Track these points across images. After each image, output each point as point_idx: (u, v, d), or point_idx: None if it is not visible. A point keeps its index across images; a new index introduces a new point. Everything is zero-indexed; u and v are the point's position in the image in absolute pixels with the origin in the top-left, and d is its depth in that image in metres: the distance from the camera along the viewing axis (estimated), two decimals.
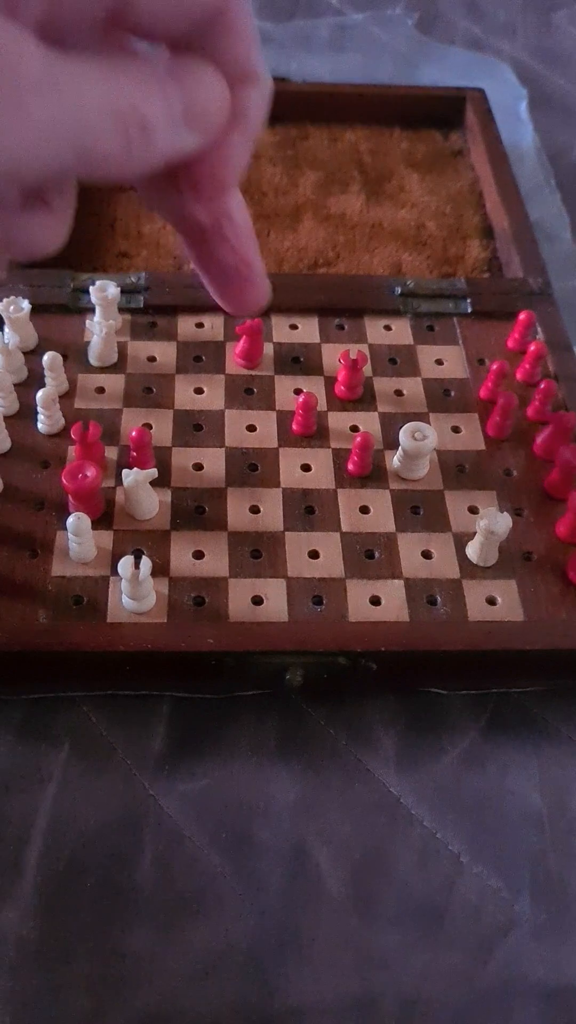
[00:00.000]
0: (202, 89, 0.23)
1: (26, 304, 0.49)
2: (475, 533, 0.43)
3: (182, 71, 0.23)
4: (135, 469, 0.43)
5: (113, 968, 0.35)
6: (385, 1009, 0.35)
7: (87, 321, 0.52)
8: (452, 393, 0.51)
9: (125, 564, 0.39)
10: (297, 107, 0.68)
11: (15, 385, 0.48)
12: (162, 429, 0.48)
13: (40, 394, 0.46)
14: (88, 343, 0.51)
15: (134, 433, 0.44)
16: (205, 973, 0.35)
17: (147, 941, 0.36)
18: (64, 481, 0.42)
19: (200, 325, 0.53)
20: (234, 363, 0.51)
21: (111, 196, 0.62)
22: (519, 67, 0.78)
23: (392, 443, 0.47)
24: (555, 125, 0.73)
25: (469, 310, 0.54)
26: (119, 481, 0.44)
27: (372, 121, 0.69)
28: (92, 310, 0.51)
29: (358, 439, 0.45)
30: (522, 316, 0.52)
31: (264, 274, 0.27)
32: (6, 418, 0.47)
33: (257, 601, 0.41)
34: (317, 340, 0.53)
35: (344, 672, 0.40)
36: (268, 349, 0.52)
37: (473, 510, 0.45)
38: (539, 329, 0.53)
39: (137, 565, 0.39)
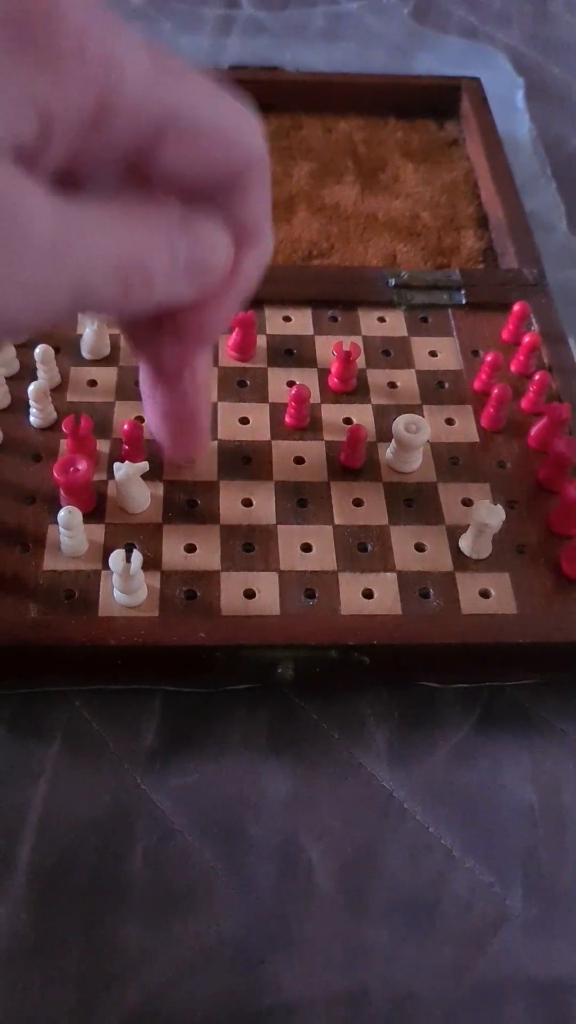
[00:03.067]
0: (210, 245, 0.24)
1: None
2: (468, 526, 0.43)
3: (194, 223, 0.24)
4: (127, 462, 0.42)
5: (104, 962, 0.35)
6: (376, 1004, 0.35)
7: (79, 314, 0.51)
8: (446, 385, 0.50)
9: (116, 558, 0.39)
10: (291, 97, 0.68)
11: (7, 378, 0.48)
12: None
13: (32, 387, 0.46)
14: (80, 336, 0.50)
15: (126, 426, 0.44)
16: (195, 968, 0.35)
17: (138, 935, 0.35)
18: (55, 474, 0.42)
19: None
20: (227, 355, 0.51)
21: None
22: (515, 56, 0.77)
23: (385, 435, 0.47)
24: (551, 114, 0.73)
25: (463, 301, 0.54)
26: (111, 474, 0.44)
27: (366, 111, 0.69)
28: None
29: (351, 431, 0.45)
30: (516, 307, 0.52)
31: (206, 430, 0.28)
32: None
33: (249, 594, 0.41)
34: (310, 332, 0.52)
35: (336, 666, 0.40)
36: (261, 341, 0.51)
37: (467, 502, 0.45)
38: (534, 320, 0.52)
39: (128, 559, 0.39)
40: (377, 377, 0.50)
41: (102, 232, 0.22)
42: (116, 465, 0.42)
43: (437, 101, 0.69)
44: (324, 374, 0.50)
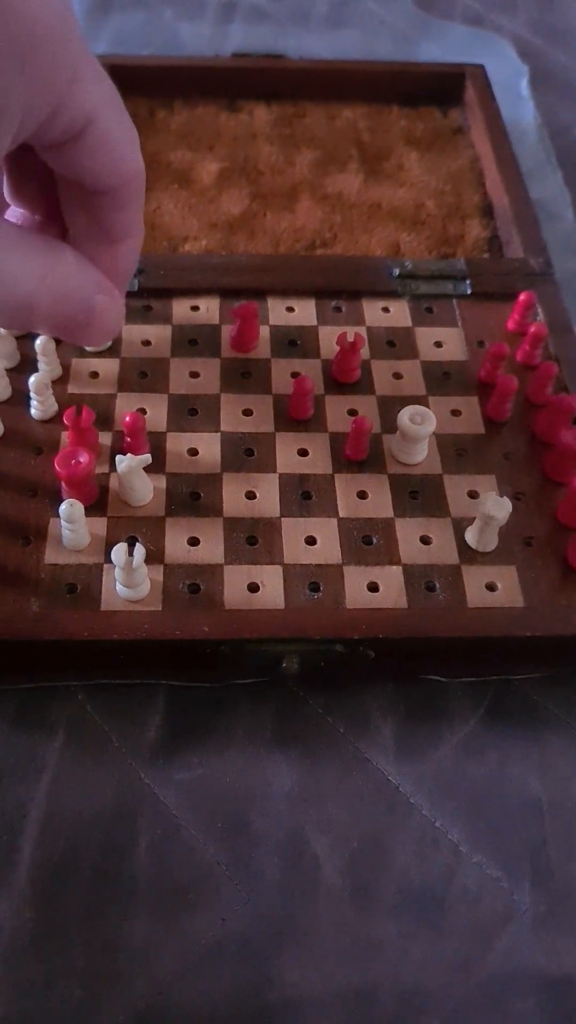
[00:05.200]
0: (72, 275, 0.29)
1: None
2: (474, 518, 0.42)
3: (59, 258, 0.29)
4: (129, 455, 0.42)
5: (108, 958, 0.35)
6: (383, 999, 0.34)
7: None
8: (451, 376, 0.50)
9: (119, 551, 0.39)
10: (294, 85, 0.67)
11: (7, 370, 0.48)
12: (157, 414, 0.47)
13: (33, 379, 0.45)
14: None
15: (128, 418, 0.44)
16: (201, 963, 0.35)
17: (142, 931, 0.35)
18: (57, 467, 0.41)
19: (196, 308, 0.52)
20: (230, 346, 0.50)
21: None
22: (520, 43, 0.76)
23: (390, 427, 0.47)
24: (557, 102, 0.72)
25: (468, 291, 0.53)
26: (113, 467, 0.43)
27: (370, 99, 0.68)
28: None
29: (355, 423, 0.45)
30: (522, 297, 0.51)
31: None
32: None
33: (253, 588, 0.41)
34: (314, 323, 0.52)
35: (341, 659, 0.39)
36: (264, 332, 0.51)
37: (472, 494, 0.45)
38: (540, 310, 0.52)
39: (131, 552, 0.38)
40: (381, 368, 0.50)
41: (12, 257, 0.27)
42: (118, 457, 0.42)
43: (441, 89, 0.68)
44: (328, 365, 0.50)
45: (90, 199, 0.30)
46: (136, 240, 0.32)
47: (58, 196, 0.31)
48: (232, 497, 0.44)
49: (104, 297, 0.30)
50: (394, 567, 0.42)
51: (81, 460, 0.41)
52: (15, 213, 0.32)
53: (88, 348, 0.49)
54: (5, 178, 0.31)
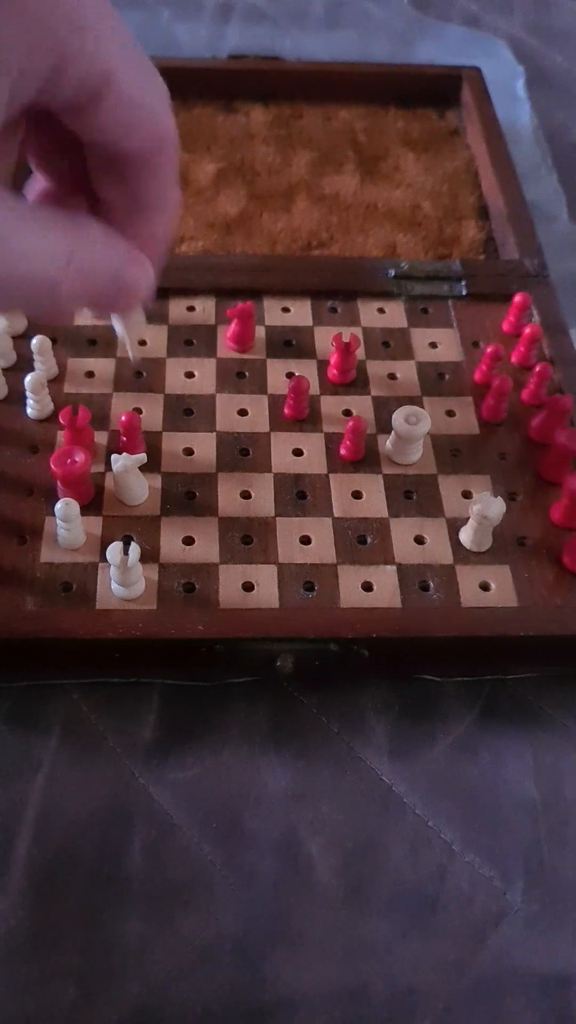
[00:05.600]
0: (99, 250, 0.27)
1: None
2: (469, 518, 0.43)
3: (85, 234, 0.27)
4: (124, 454, 0.42)
5: (103, 957, 0.35)
6: (376, 999, 0.34)
7: None
8: (446, 376, 0.50)
9: (114, 550, 0.39)
10: (291, 85, 0.67)
11: (4, 370, 0.48)
12: (152, 414, 0.47)
13: (29, 379, 0.45)
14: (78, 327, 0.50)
15: (124, 418, 0.44)
16: (195, 962, 0.35)
17: (137, 930, 0.35)
18: (53, 466, 0.41)
19: (191, 308, 0.52)
20: (225, 346, 0.50)
21: None
22: (516, 44, 0.77)
23: (385, 427, 0.47)
24: (553, 104, 0.72)
25: (464, 292, 0.53)
26: (108, 466, 0.43)
27: (367, 100, 0.68)
28: None
29: (351, 423, 0.45)
30: (517, 298, 0.51)
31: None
32: None
33: (248, 587, 0.41)
34: (310, 323, 0.52)
35: (336, 659, 0.39)
36: (260, 332, 0.51)
37: (467, 495, 0.45)
38: (535, 312, 0.52)
39: (126, 551, 0.38)
40: (377, 368, 0.50)
41: (34, 237, 0.25)
42: (114, 457, 0.42)
43: (438, 90, 0.68)
44: (323, 365, 0.50)
45: (118, 166, 0.27)
46: (169, 208, 0.29)
47: (85, 164, 0.29)
48: (227, 497, 0.44)
49: (135, 269, 0.28)
50: (388, 567, 0.42)
51: (77, 459, 0.41)
52: (39, 186, 0.30)
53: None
54: (28, 147, 0.29)
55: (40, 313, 0.29)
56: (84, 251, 0.26)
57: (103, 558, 0.41)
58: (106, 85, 0.25)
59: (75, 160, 0.29)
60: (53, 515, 0.41)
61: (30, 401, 0.46)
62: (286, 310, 0.52)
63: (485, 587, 0.41)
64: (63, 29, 0.23)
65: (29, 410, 0.46)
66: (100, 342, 0.50)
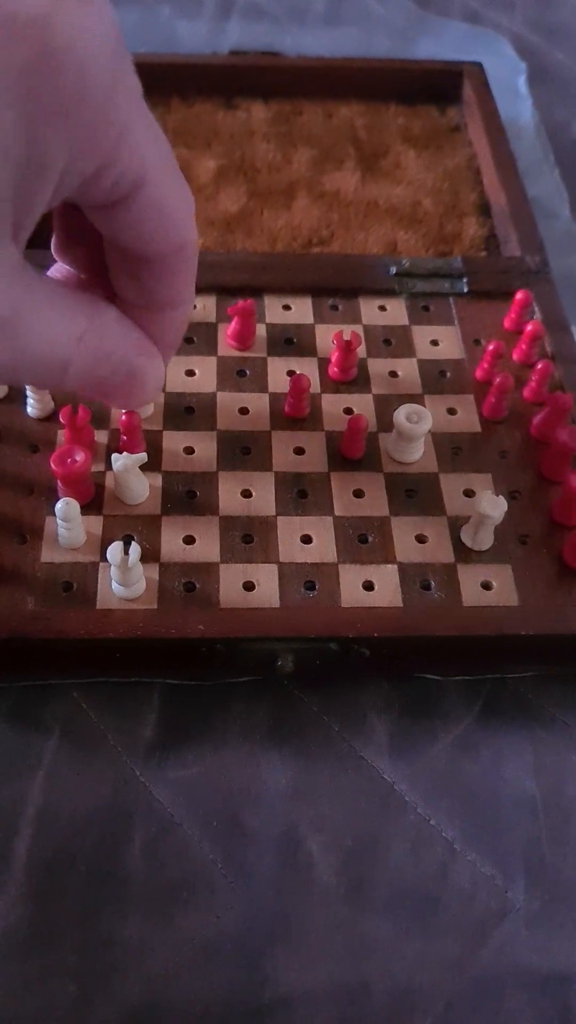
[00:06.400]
0: (111, 335, 0.27)
1: None
2: (470, 517, 0.43)
3: (99, 317, 0.27)
4: (125, 453, 0.42)
5: (102, 956, 0.35)
6: (377, 997, 0.34)
7: None
8: (447, 374, 0.50)
9: (114, 550, 0.39)
10: (291, 82, 0.67)
11: None
12: (152, 412, 0.47)
13: None
14: None
15: (124, 417, 0.44)
16: (196, 961, 0.35)
17: (137, 929, 0.35)
18: (53, 466, 0.41)
19: (192, 306, 0.52)
20: (226, 345, 0.50)
21: None
22: (518, 41, 0.76)
23: (386, 425, 0.47)
24: (554, 100, 0.72)
25: (465, 290, 0.53)
26: (109, 466, 0.43)
27: (367, 96, 0.68)
28: None
29: (352, 421, 0.45)
30: (519, 295, 0.51)
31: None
32: None
33: (248, 587, 0.41)
34: (310, 321, 0.52)
35: (336, 658, 0.39)
36: (260, 330, 0.51)
37: (468, 493, 0.45)
38: (536, 309, 0.52)
39: (127, 551, 0.38)
40: (378, 366, 0.50)
41: (48, 316, 0.25)
42: (114, 456, 0.42)
43: (439, 86, 0.68)
44: (324, 363, 0.50)
45: (137, 265, 0.28)
46: (185, 309, 0.30)
47: (104, 257, 0.29)
48: (228, 495, 0.44)
49: (145, 360, 0.29)
50: (389, 566, 0.42)
51: (77, 458, 0.41)
52: (61, 269, 0.30)
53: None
54: (54, 234, 0.30)
55: (46, 387, 0.29)
56: (96, 334, 0.26)
57: (103, 558, 0.41)
58: (138, 189, 0.25)
59: (95, 252, 0.29)
60: (53, 514, 0.41)
61: (30, 400, 0.46)
62: (287, 308, 0.52)
63: (486, 586, 0.41)
64: (111, 136, 0.23)
65: (29, 409, 0.46)
66: None
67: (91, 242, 0.29)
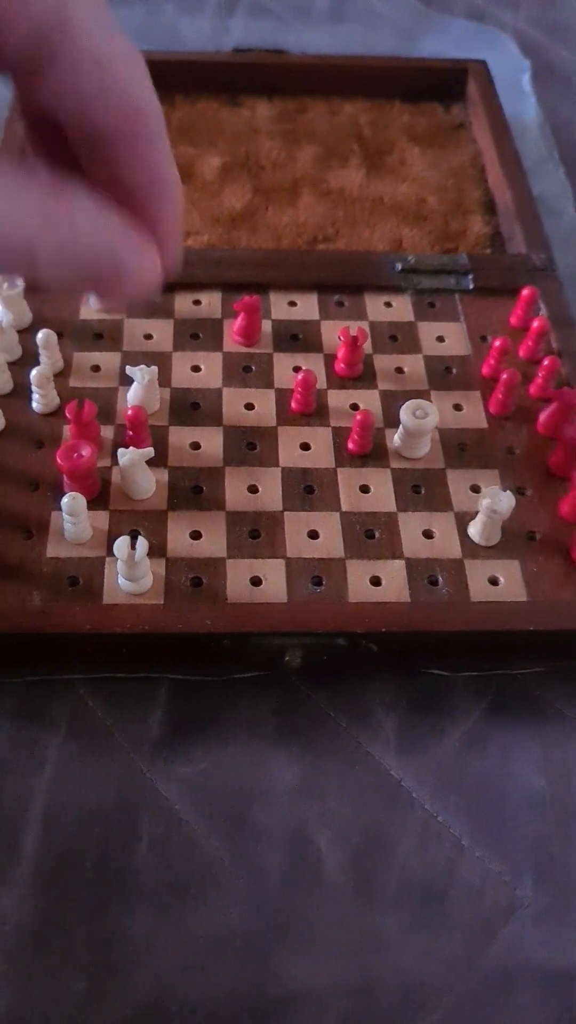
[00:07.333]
0: (82, 215, 0.24)
1: (20, 282, 0.48)
2: (477, 512, 0.42)
3: (65, 195, 0.23)
4: (131, 448, 0.42)
5: (110, 952, 0.35)
6: (385, 993, 0.34)
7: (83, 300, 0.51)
8: (454, 370, 0.50)
9: (121, 545, 0.38)
10: (295, 80, 0.67)
11: (9, 364, 0.48)
12: (159, 407, 0.47)
13: (34, 373, 0.45)
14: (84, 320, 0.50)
15: (130, 412, 0.43)
16: (203, 958, 0.35)
17: (145, 925, 0.35)
18: (59, 461, 0.41)
19: (197, 302, 0.52)
20: (232, 340, 0.50)
21: None
22: (522, 38, 0.76)
23: (393, 421, 0.46)
24: (559, 98, 0.72)
25: (471, 286, 0.53)
26: (115, 461, 0.43)
27: (372, 94, 0.68)
28: None
29: (358, 417, 0.45)
30: (525, 292, 0.51)
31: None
32: (0, 397, 0.46)
33: (256, 582, 0.41)
34: (316, 317, 0.52)
35: (344, 653, 0.39)
36: (267, 326, 0.51)
37: (475, 489, 0.45)
38: (542, 305, 0.52)
39: (133, 546, 0.38)
40: (384, 362, 0.50)
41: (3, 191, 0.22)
42: (120, 451, 0.42)
43: (443, 84, 0.68)
44: (330, 359, 0.49)
45: (95, 145, 0.24)
46: (168, 189, 0.26)
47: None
48: (234, 491, 0.44)
49: (133, 246, 0.25)
50: (397, 561, 0.42)
51: (83, 454, 0.41)
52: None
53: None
54: (25, 135, 0.27)
55: (30, 281, 0.26)
56: (64, 212, 0.24)
57: (110, 552, 0.40)
58: (62, 34, 0.22)
59: (70, 154, 0.26)
60: (60, 509, 0.41)
61: (36, 395, 0.46)
62: (293, 304, 0.52)
63: (494, 581, 0.41)
64: None
65: (35, 404, 0.46)
66: (106, 336, 0.50)
67: (62, 137, 0.26)
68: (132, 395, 0.46)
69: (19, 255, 0.23)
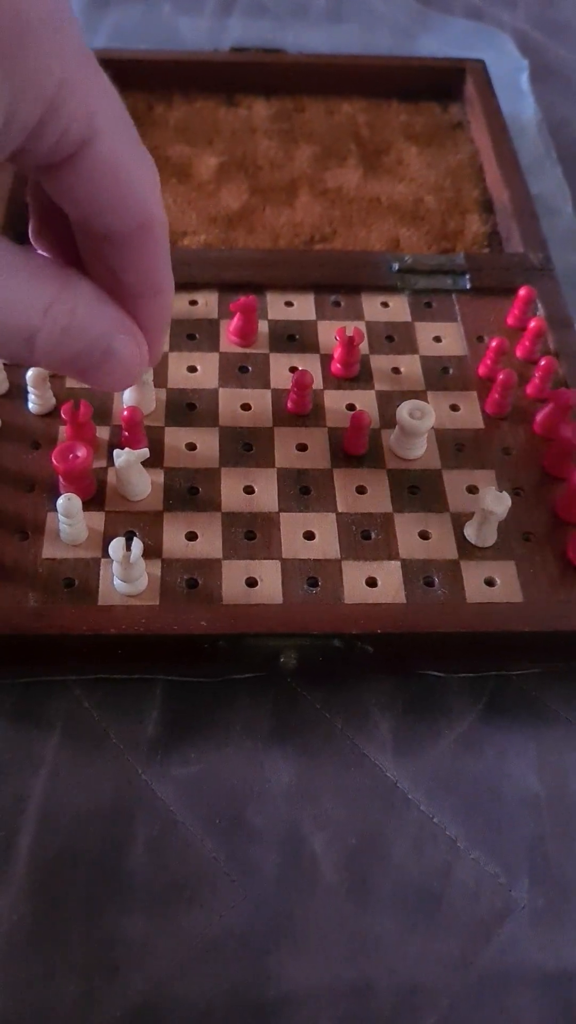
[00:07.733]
0: (83, 308, 0.25)
1: None
2: (473, 513, 0.42)
3: (70, 288, 0.25)
4: (127, 449, 0.42)
5: (106, 954, 0.35)
6: (381, 995, 0.34)
7: None
8: (450, 371, 0.50)
9: (117, 546, 0.38)
10: (293, 79, 0.67)
11: (5, 364, 0.47)
12: (154, 408, 0.47)
13: (30, 373, 0.45)
14: None
15: (126, 412, 0.43)
16: (198, 959, 0.35)
17: (140, 927, 0.35)
18: (55, 462, 0.41)
19: (194, 303, 0.52)
20: (228, 341, 0.50)
21: None
22: (520, 38, 0.76)
23: (389, 422, 0.46)
24: (557, 97, 0.72)
25: (468, 286, 0.53)
26: (111, 462, 0.43)
27: (370, 93, 0.68)
28: None
29: (354, 418, 0.44)
30: (522, 292, 0.51)
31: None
32: None
33: (251, 583, 0.41)
34: (313, 317, 0.52)
35: (339, 655, 0.39)
36: (263, 326, 0.51)
37: (471, 490, 0.45)
38: (539, 305, 0.52)
39: (129, 547, 0.38)
40: (380, 363, 0.50)
41: (10, 282, 0.24)
42: (116, 452, 0.42)
43: (441, 83, 0.68)
44: (327, 360, 0.49)
45: (101, 245, 0.26)
46: (162, 296, 0.28)
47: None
48: (230, 492, 0.44)
49: (123, 337, 0.27)
50: (393, 562, 0.42)
51: (79, 454, 0.41)
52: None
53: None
54: (30, 219, 0.28)
55: (22, 363, 0.27)
56: (67, 304, 0.25)
57: (105, 554, 0.40)
58: (88, 145, 0.23)
59: (70, 237, 0.28)
60: (55, 511, 0.41)
61: (31, 396, 0.46)
62: (289, 304, 0.52)
63: (490, 583, 0.41)
64: (54, 78, 0.22)
65: (31, 405, 0.46)
66: None
67: (65, 224, 0.27)
68: (128, 396, 0.46)
69: (19, 341, 0.24)
